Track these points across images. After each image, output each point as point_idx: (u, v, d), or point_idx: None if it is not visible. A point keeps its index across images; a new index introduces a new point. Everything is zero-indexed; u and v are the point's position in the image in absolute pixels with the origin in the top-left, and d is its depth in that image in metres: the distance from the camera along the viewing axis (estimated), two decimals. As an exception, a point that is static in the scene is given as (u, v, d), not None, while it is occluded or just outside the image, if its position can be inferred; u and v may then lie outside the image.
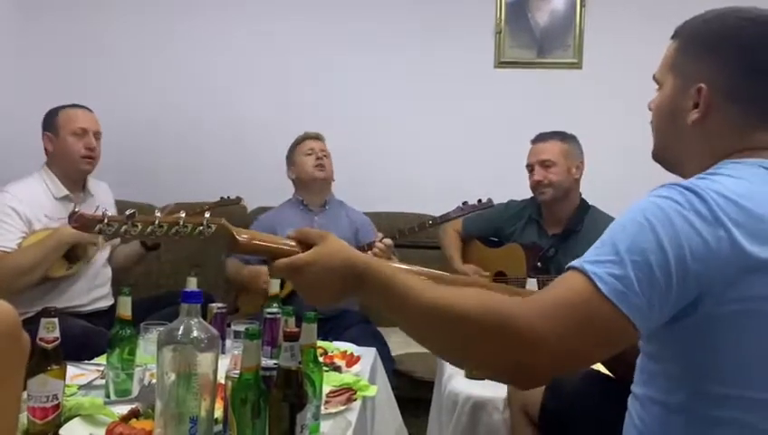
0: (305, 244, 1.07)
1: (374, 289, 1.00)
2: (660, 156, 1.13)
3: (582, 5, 3.37)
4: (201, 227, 1.06)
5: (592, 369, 1.52)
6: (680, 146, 1.08)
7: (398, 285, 0.97)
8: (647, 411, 1.01)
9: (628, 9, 3.34)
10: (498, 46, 3.44)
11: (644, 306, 0.87)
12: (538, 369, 0.90)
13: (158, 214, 1.08)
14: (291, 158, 2.97)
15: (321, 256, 1.04)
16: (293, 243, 1.09)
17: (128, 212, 1.07)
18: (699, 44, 1.05)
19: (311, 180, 2.89)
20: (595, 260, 0.90)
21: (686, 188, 0.91)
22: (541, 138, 2.73)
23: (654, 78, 1.13)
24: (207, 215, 1.08)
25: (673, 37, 1.11)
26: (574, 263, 0.92)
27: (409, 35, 3.47)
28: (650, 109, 1.14)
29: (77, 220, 1.07)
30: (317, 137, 2.97)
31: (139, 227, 1.07)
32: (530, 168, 2.72)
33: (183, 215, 1.07)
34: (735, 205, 0.89)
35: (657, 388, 0.99)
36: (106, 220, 1.06)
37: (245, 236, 1.09)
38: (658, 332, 0.93)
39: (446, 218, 2.69)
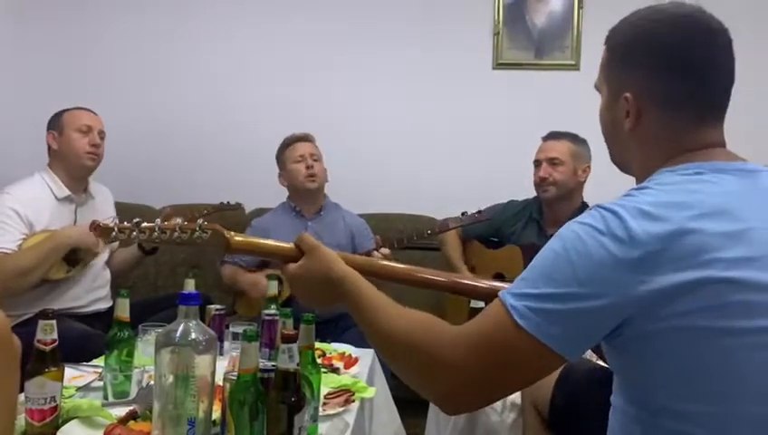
0: (300, 250, 1.18)
1: (348, 304, 1.09)
2: (615, 161, 1.14)
3: (580, 7, 3.38)
4: (197, 233, 1.18)
5: (600, 364, 1.52)
6: (624, 152, 1.09)
7: (363, 305, 1.06)
8: (614, 419, 1.02)
9: (626, 11, 3.30)
10: (496, 48, 3.44)
11: (562, 335, 0.88)
12: (458, 397, 0.94)
13: (159, 221, 1.23)
14: (281, 161, 2.91)
15: (306, 269, 1.15)
16: (286, 245, 1.20)
17: (135, 220, 1.23)
18: (621, 53, 1.06)
19: (303, 191, 2.85)
20: (516, 293, 0.91)
21: (607, 211, 0.91)
22: (553, 136, 2.74)
23: (595, 86, 1.15)
24: (201, 221, 1.20)
25: (604, 43, 1.12)
26: (500, 293, 0.94)
27: (408, 36, 3.47)
28: None
29: (96, 229, 1.28)
30: (305, 138, 2.90)
31: (146, 232, 1.22)
32: (537, 163, 2.72)
33: (179, 221, 1.26)
34: (652, 223, 0.87)
35: (618, 397, 1.00)
36: (117, 229, 1.24)
37: (239, 238, 1.20)
38: (605, 346, 0.94)
39: (444, 229, 2.68)
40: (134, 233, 1.22)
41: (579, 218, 0.93)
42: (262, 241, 1.26)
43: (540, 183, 2.70)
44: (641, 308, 0.86)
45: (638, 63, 1.02)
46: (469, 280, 1.37)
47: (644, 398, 0.93)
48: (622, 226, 0.88)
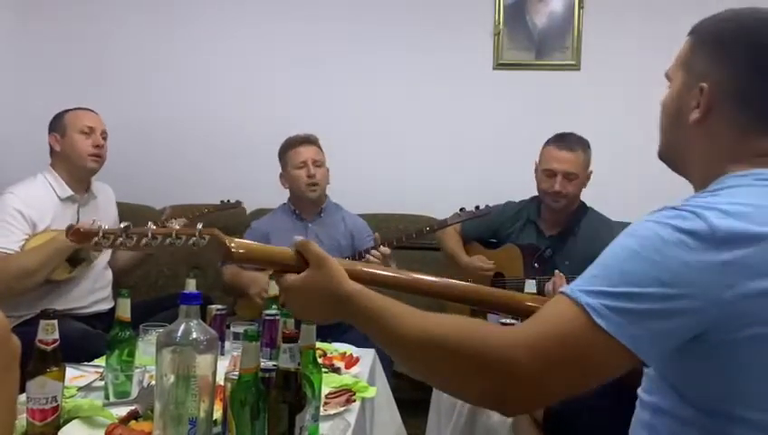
0: (304, 260, 1.08)
1: (362, 322, 1.02)
2: (665, 155, 1.10)
3: (581, 7, 3.38)
4: (194, 239, 1.07)
5: None
6: (683, 146, 1.04)
7: (383, 317, 0.99)
8: (658, 420, 0.97)
9: (627, 11, 3.35)
10: (497, 48, 3.45)
11: (642, 337, 0.84)
12: (518, 399, 0.89)
13: (152, 226, 1.11)
14: (283, 161, 2.89)
15: (310, 282, 1.06)
16: (290, 252, 1.09)
17: (122, 225, 1.10)
18: (711, 43, 1.02)
19: (304, 198, 2.83)
20: (589, 290, 0.86)
21: (687, 211, 0.88)
22: (567, 145, 2.64)
23: (665, 74, 1.10)
24: (200, 226, 1.08)
25: (689, 34, 1.07)
26: (566, 290, 0.89)
27: (408, 37, 3.47)
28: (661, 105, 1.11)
29: (74, 234, 1.11)
30: (309, 141, 2.86)
31: (134, 238, 1.09)
32: (549, 173, 2.64)
33: (176, 227, 1.14)
34: (738, 223, 0.85)
35: (666, 399, 0.96)
36: (101, 234, 1.10)
37: (239, 246, 1.08)
38: (678, 351, 0.90)
39: (443, 225, 2.68)
40: (119, 239, 1.09)
41: (654, 217, 0.90)
42: (265, 249, 1.12)
43: (554, 195, 2.64)
44: (726, 314, 0.84)
45: (729, 57, 0.99)
46: (501, 293, 1.25)
47: (710, 404, 0.90)
48: (707, 226, 0.85)
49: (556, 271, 2.36)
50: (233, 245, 1.06)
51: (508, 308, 1.24)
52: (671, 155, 1.09)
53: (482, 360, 0.87)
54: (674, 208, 0.90)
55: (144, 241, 1.09)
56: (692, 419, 0.92)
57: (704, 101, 0.99)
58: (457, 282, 1.20)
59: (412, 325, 0.95)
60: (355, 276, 1.07)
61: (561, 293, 0.89)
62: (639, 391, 1.04)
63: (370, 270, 1.16)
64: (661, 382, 0.96)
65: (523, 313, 1.16)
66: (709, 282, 0.83)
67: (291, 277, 1.07)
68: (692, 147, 1.03)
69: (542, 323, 0.88)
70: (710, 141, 1.00)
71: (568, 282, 2.40)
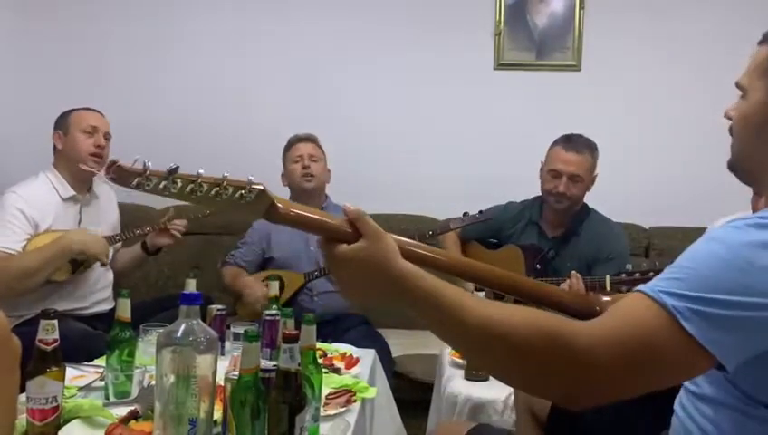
0: (356, 231, 0.99)
1: (414, 303, 0.96)
2: (738, 166, 1.08)
3: (581, 8, 3.38)
4: (242, 191, 1.00)
5: None
6: (759, 157, 1.03)
7: (445, 301, 0.93)
8: (722, 416, 0.97)
9: (627, 11, 3.35)
10: (497, 48, 3.45)
11: (727, 342, 0.84)
12: (594, 395, 0.88)
13: (202, 172, 1.02)
14: (283, 161, 2.93)
15: (363, 257, 0.98)
16: (339, 220, 1.01)
17: (170, 166, 1.00)
18: None
19: (300, 190, 2.85)
20: (673, 292, 0.86)
21: None
22: (574, 147, 2.62)
23: (737, 84, 1.07)
24: (252, 177, 1.01)
25: (762, 42, 1.05)
26: (645, 289, 0.88)
27: (409, 37, 3.47)
28: (728, 117, 1.08)
29: (115, 171, 1.01)
30: (307, 138, 2.91)
31: (179, 184, 1.01)
32: (554, 173, 2.63)
33: (227, 175, 1.01)
34: None
35: (729, 396, 0.95)
36: (147, 173, 1.00)
37: (286, 206, 1.02)
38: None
39: (445, 230, 2.68)
40: (163, 183, 1.00)
41: (741, 224, 0.90)
42: (312, 213, 1.03)
43: (557, 196, 2.63)
44: None
45: None
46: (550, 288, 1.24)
47: None
48: None
49: (573, 272, 2.35)
50: (280, 204, 1.01)
51: (548, 303, 1.20)
52: (749, 166, 1.07)
53: (557, 357, 0.86)
54: (762, 218, 0.89)
55: (190, 187, 1.01)
56: (761, 416, 0.92)
57: None
58: (510, 273, 1.17)
59: (474, 313, 0.91)
60: (407, 255, 1.01)
61: (641, 292, 0.88)
62: (689, 384, 1.03)
63: (423, 251, 1.09)
64: (724, 383, 0.95)
65: (562, 309, 1.15)
66: None
67: (342, 247, 0.99)
68: None
69: (622, 322, 0.87)
70: None
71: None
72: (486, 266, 1.18)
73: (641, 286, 0.89)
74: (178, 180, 1.01)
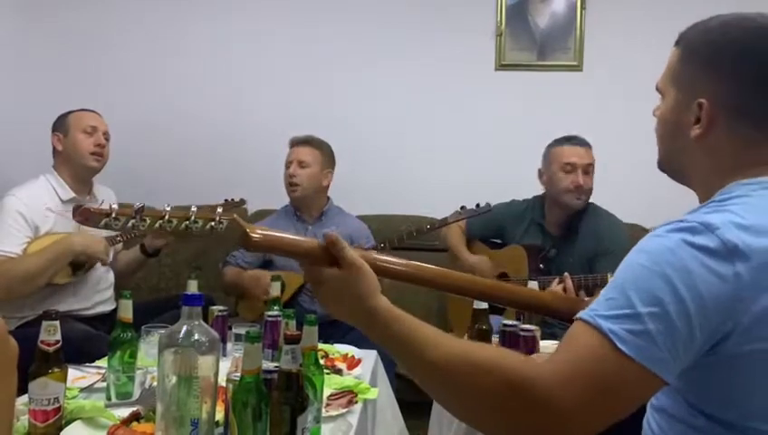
0: (331, 256, 1.03)
1: (385, 343, 0.99)
2: (665, 166, 1.09)
3: (583, 8, 3.38)
4: (213, 223, 1.02)
5: None
6: (684, 159, 1.03)
7: (409, 348, 0.95)
8: (669, 426, 0.96)
9: (629, 11, 3.35)
10: (498, 49, 3.44)
11: (668, 358, 0.83)
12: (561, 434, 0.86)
13: (168, 208, 1.03)
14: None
15: (343, 286, 1.02)
16: (313, 244, 1.04)
17: (136, 206, 1.02)
18: (701, 56, 1.00)
19: (290, 199, 2.86)
20: (609, 315, 0.84)
21: (698, 223, 0.86)
22: (578, 142, 2.64)
23: (656, 87, 1.08)
24: (220, 210, 1.03)
25: (676, 44, 1.05)
26: (583, 315, 0.87)
27: (410, 38, 3.47)
28: (655, 115, 1.09)
29: (81, 214, 1.03)
30: (303, 141, 2.86)
31: (148, 221, 1.02)
32: (569, 168, 2.61)
33: (194, 209, 1.02)
34: (750, 236, 0.84)
35: (677, 405, 0.95)
36: (113, 214, 1.02)
37: (259, 233, 1.02)
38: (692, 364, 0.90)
39: (444, 223, 2.67)
40: (132, 221, 1.02)
41: (662, 231, 0.88)
42: (284, 238, 1.05)
43: (577, 191, 2.61)
44: (740, 327, 0.83)
45: (723, 71, 0.97)
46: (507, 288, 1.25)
47: (723, 415, 0.89)
48: (719, 240, 0.84)
49: (566, 273, 2.35)
50: (252, 232, 1.01)
51: (531, 307, 1.22)
52: (672, 166, 1.08)
53: (522, 411, 0.84)
54: (682, 221, 0.88)
55: (159, 224, 1.02)
56: (703, 428, 0.91)
57: (705, 118, 0.98)
58: (481, 279, 1.19)
59: (438, 364, 0.91)
60: (375, 268, 1.05)
61: (580, 319, 0.87)
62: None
63: (398, 267, 1.13)
64: (670, 388, 0.94)
65: (547, 313, 1.16)
66: (724, 297, 0.83)
67: (317, 269, 1.03)
68: (694, 160, 1.02)
69: (572, 355, 0.86)
70: (712, 154, 0.99)
71: (574, 282, 2.38)
72: (464, 276, 1.19)
73: (581, 313, 0.88)
74: (147, 218, 1.02)
